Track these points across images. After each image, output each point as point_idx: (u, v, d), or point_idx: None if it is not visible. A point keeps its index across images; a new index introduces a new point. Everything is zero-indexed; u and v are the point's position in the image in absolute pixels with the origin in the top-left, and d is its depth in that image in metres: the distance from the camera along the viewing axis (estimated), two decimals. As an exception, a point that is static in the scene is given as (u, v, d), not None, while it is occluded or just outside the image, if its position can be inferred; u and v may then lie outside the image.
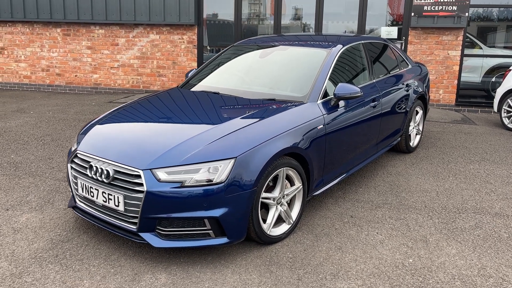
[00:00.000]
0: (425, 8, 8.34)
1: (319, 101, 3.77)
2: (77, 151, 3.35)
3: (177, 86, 4.49)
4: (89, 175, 3.16)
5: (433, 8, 8.30)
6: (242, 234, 3.05)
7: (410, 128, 5.51)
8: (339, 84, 3.83)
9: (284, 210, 3.39)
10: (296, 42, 4.52)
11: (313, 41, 4.56)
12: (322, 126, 3.63)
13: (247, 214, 3.01)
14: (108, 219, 3.11)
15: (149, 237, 2.94)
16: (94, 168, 3.12)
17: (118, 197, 2.97)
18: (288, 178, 3.41)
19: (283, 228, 3.41)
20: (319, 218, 3.80)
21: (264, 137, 3.14)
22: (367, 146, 4.42)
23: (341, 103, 3.94)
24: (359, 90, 3.85)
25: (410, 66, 5.57)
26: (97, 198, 3.13)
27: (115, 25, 9.91)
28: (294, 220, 3.48)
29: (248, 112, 3.50)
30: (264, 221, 3.25)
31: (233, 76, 4.33)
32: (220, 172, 2.90)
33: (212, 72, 4.50)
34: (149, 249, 3.21)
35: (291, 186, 3.45)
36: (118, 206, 2.99)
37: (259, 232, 3.16)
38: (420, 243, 3.39)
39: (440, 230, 3.62)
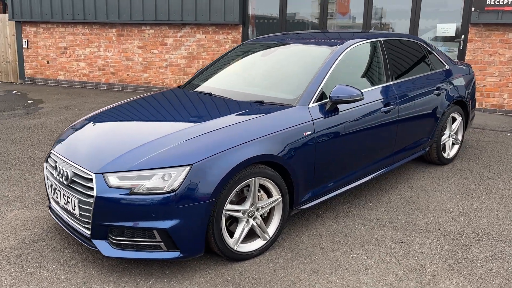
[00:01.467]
0: (488, 2, 7.44)
1: (312, 105, 3.38)
2: (51, 151, 3.29)
3: (178, 86, 4.32)
4: (54, 175, 3.08)
5: (497, 2, 7.38)
6: (198, 249, 2.79)
7: (444, 137, 4.87)
8: (337, 85, 3.42)
9: (258, 224, 3.07)
10: (306, 40, 4.15)
11: (326, 38, 4.15)
12: (310, 132, 3.25)
13: (203, 228, 2.74)
14: (70, 222, 3.01)
15: (101, 245, 2.79)
16: (58, 169, 3.03)
17: (74, 200, 2.85)
18: (267, 189, 3.09)
19: (257, 244, 3.09)
20: (308, 234, 3.42)
21: (230, 143, 2.85)
22: (377, 156, 3.93)
23: (342, 107, 3.52)
24: (360, 93, 3.41)
25: (446, 67, 4.93)
26: (60, 200, 3.04)
27: (164, 25, 10.05)
28: (271, 236, 3.14)
29: (226, 115, 3.23)
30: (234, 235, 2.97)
31: (232, 76, 4.06)
32: (173, 180, 2.66)
33: (214, 71, 4.27)
34: (110, 257, 3.05)
35: (269, 198, 3.12)
36: (74, 210, 2.88)
37: (222, 248, 2.88)
38: (414, 274, 2.90)
39: (445, 259, 3.08)
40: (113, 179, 2.70)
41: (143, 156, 2.76)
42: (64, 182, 2.94)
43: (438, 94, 4.56)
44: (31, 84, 11.84)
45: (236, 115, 3.21)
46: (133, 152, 2.81)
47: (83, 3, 10.52)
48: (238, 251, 2.98)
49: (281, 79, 3.79)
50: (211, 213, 2.77)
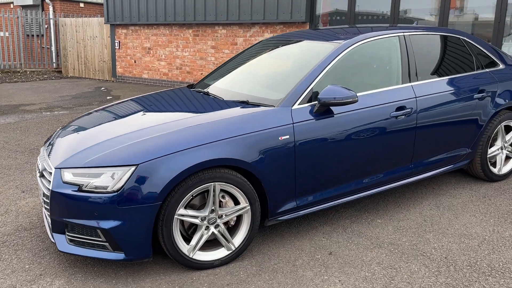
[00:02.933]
0: None
1: (297, 106, 3.07)
2: (43, 146, 3.43)
3: (189, 85, 4.24)
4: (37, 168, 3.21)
5: None
6: (145, 253, 2.67)
7: (493, 149, 4.14)
8: (328, 86, 3.06)
9: (221, 233, 2.86)
10: (322, 36, 3.79)
11: (346, 34, 3.74)
12: (288, 137, 2.95)
13: (148, 232, 2.62)
14: (44, 213, 3.10)
15: (58, 239, 2.81)
16: (37, 162, 3.15)
17: (42, 192, 2.93)
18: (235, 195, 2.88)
19: (220, 253, 2.89)
20: (289, 248, 3.12)
21: (186, 144, 2.69)
22: (386, 167, 3.46)
23: (337, 110, 3.16)
24: (353, 94, 3.02)
25: (500, 67, 4.18)
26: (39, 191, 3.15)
27: (235, 25, 10.13)
28: (236, 246, 2.91)
29: (198, 115, 3.07)
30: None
31: (235, 75, 3.86)
32: (117, 179, 2.58)
33: (224, 70, 4.11)
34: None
35: (237, 205, 2.90)
36: (43, 202, 2.95)
37: (174, 254, 2.73)
38: (383, 307, 2.47)
39: (434, 294, 2.59)
40: (67, 175, 2.71)
41: (97, 154, 2.73)
42: (38, 174, 3.03)
43: (481, 98, 3.88)
44: (121, 82, 12.77)
45: (208, 115, 3.04)
46: (90, 149, 2.80)
47: (164, 6, 11.04)
48: (194, 259, 2.80)
49: (276, 78, 3.52)
50: (161, 217, 2.64)
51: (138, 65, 12.33)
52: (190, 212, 2.76)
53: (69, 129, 3.36)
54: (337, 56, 3.32)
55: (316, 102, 3.09)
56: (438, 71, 3.78)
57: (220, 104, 3.27)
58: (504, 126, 4.18)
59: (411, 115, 3.47)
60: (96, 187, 2.61)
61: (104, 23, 12.73)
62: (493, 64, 4.16)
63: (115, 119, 3.29)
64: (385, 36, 3.61)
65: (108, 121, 3.25)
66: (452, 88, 3.74)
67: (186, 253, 2.77)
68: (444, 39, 3.94)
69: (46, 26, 15.61)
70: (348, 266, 2.89)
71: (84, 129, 3.22)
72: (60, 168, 2.75)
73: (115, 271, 2.85)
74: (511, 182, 4.27)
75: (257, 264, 2.93)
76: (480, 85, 3.91)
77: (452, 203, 3.83)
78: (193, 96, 3.61)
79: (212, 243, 2.93)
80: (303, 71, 3.28)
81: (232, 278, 2.76)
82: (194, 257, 2.81)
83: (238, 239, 2.93)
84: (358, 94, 3.31)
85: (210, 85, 3.84)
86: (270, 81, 3.51)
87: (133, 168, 2.58)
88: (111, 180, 2.60)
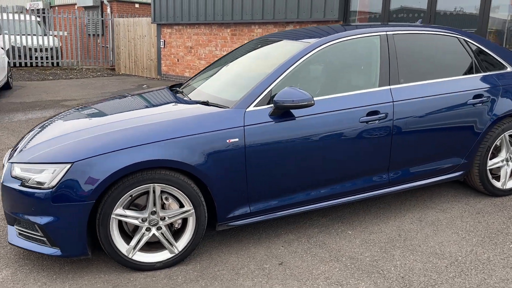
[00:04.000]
0: None
1: (252, 108, 2.95)
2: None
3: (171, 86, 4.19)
4: None
5: None
6: (80, 251, 2.69)
7: (495, 160, 3.74)
8: (285, 88, 2.91)
9: (164, 235, 2.82)
10: (301, 35, 3.62)
11: (321, 33, 3.53)
12: (237, 140, 2.84)
13: (82, 229, 2.63)
14: None
15: (10, 231, 2.92)
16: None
17: None
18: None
19: (162, 256, 2.85)
20: (240, 255, 3.01)
21: (124, 143, 2.67)
22: (355, 176, 3.23)
23: (299, 113, 3.00)
24: (308, 97, 2.85)
25: (508, 69, 3.75)
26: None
27: (270, 24, 10.03)
28: (180, 249, 2.86)
29: (152, 115, 3.03)
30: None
31: (214, 75, 3.78)
32: (53, 176, 2.62)
33: (208, 70, 4.06)
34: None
35: (181, 208, 2.84)
36: (3, 194, 3.07)
37: (112, 253, 2.73)
38: (307, 326, 2.31)
39: (369, 317, 2.37)
40: (17, 169, 2.79)
41: (43, 150, 2.79)
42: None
43: (477, 104, 3.51)
44: (165, 79, 13.13)
45: (161, 115, 3.00)
46: (39, 145, 2.86)
47: (205, 5, 11.19)
48: (134, 260, 2.79)
49: (243, 79, 3.40)
50: (98, 215, 2.65)
51: (180, 64, 12.60)
52: (129, 212, 2.74)
53: (39, 126, 3.46)
54: (302, 57, 3.15)
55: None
56: (426, 74, 3.47)
57: (179, 104, 3.23)
58: (510, 135, 3.76)
59: (386, 120, 3.21)
60: (37, 183, 2.67)
61: (151, 22, 13.15)
62: (500, 67, 3.75)
63: (79, 118, 3.32)
64: (362, 35, 3.37)
65: (71, 119, 3.30)
66: (441, 93, 3.41)
67: (125, 253, 2.76)
68: (438, 39, 3.61)
69: (106, 26, 16.42)
70: (293, 279, 2.73)
71: (47, 125, 3.30)
72: (12, 163, 2.84)
73: (61, 266, 2.90)
74: (518, 198, 3.84)
75: (200, 269, 2.85)
76: (477, 89, 3.54)
77: (438, 217, 3.50)
78: (163, 97, 3.58)
79: (157, 245, 2.90)
80: (265, 72, 3.15)
81: (168, 282, 2.71)
82: (133, 257, 2.79)
83: (182, 243, 2.88)
84: (324, 97, 3.13)
85: (190, 85, 3.81)
86: (238, 81, 3.41)
87: (68, 166, 2.61)
88: (50, 176, 2.65)
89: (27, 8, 21.71)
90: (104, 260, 2.96)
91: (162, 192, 2.80)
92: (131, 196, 2.71)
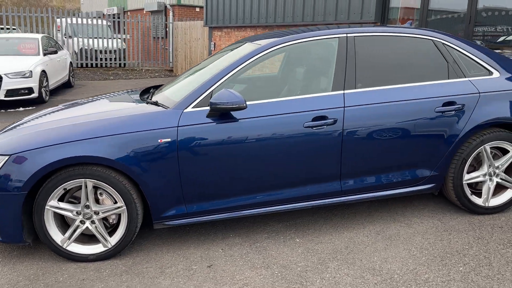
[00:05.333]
0: None
1: (190, 109, 2.97)
2: None
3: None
4: None
5: None
6: (16, 238, 2.87)
7: (474, 174, 3.39)
8: (222, 90, 2.90)
9: (97, 229, 2.94)
10: (263, 38, 3.56)
11: (279, 35, 3.43)
12: (169, 140, 2.88)
13: (17, 218, 2.82)
14: None
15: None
16: None
17: None
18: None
19: (97, 249, 2.97)
20: (177, 255, 3.04)
21: (58, 139, 2.82)
22: (300, 183, 3.11)
23: (241, 114, 2.97)
24: (239, 100, 2.83)
25: (494, 76, 3.37)
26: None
27: (309, 26, 9.88)
28: (113, 244, 2.96)
29: (99, 113, 3.15)
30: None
31: (184, 76, 3.83)
32: (-5, 167, 2.84)
33: (186, 71, 4.12)
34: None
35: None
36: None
37: (47, 242, 2.90)
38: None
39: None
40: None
41: (-4, 142, 3.02)
42: None
43: (448, 112, 3.22)
44: (214, 81, 13.43)
45: (104, 113, 3.11)
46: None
47: (250, 9, 11.33)
48: (68, 251, 2.93)
49: (196, 81, 3.41)
50: (33, 206, 2.83)
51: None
52: (63, 204, 2.88)
53: (37, 121, 3.69)
54: (249, 59, 3.11)
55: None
56: (390, 79, 3.24)
57: (131, 104, 3.33)
58: (494, 148, 3.41)
59: (335, 126, 3.06)
60: (-15, 173, 2.90)
61: (203, 26, 13.54)
62: (484, 72, 3.40)
63: (47, 114, 3.53)
64: (319, 37, 3.24)
65: (41, 115, 3.52)
66: (402, 99, 3.18)
67: (60, 243, 2.91)
68: (408, 42, 3.35)
69: (167, 29, 17.19)
70: (211, 282, 2.71)
71: (26, 121, 3.56)
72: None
73: (11, 251, 3.12)
74: (500, 218, 3.46)
75: (131, 264, 2.93)
76: (448, 96, 3.24)
77: (399, 232, 3.27)
78: (130, 97, 3.69)
79: (94, 238, 3.02)
80: (212, 73, 3.15)
81: (93, 274, 2.81)
82: (68, 248, 2.93)
83: (116, 238, 2.97)
84: (269, 101, 3.06)
85: (164, 86, 3.91)
86: (192, 84, 3.43)
87: (6, 158, 2.81)
88: None
89: (104, 13, 23.32)
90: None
91: (97, 187, 2.92)
92: (64, 189, 2.86)
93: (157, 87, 4.01)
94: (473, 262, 2.84)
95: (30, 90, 8.73)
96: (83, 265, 2.94)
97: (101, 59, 15.99)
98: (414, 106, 3.19)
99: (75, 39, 15.71)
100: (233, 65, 3.10)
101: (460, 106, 3.25)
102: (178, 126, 2.91)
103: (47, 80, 9.48)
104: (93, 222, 2.94)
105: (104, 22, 16.49)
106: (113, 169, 2.88)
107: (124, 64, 16.41)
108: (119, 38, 16.28)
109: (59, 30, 16.63)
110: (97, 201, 2.97)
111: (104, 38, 16.00)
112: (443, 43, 3.39)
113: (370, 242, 3.15)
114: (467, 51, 3.41)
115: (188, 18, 17.66)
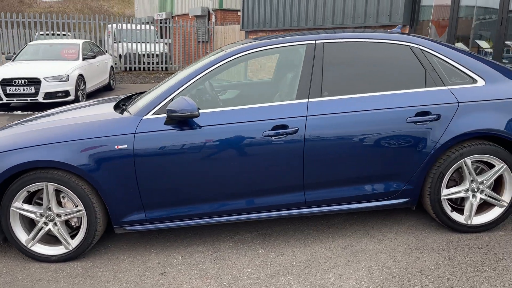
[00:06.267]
0: None
1: (149, 116, 3.00)
2: None
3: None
4: None
5: None
6: (-15, 236, 3.05)
7: (454, 190, 3.15)
8: (179, 97, 2.91)
9: (58, 231, 3.04)
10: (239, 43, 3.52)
11: (250, 42, 3.38)
12: (126, 146, 2.92)
13: (-16, 218, 2.98)
14: None
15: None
16: None
17: None
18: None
19: (59, 250, 3.07)
20: (137, 260, 3.08)
21: (23, 143, 2.94)
22: (261, 193, 3.04)
23: (198, 122, 2.96)
24: (192, 108, 2.83)
25: (479, 84, 3.13)
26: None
27: (339, 29, 9.67)
28: (74, 246, 3.04)
29: (70, 118, 3.26)
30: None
31: (161, 83, 3.87)
32: (-34, 169, 3.01)
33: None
34: None
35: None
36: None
37: (13, 243, 3.05)
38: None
39: None
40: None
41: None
42: None
43: (422, 122, 3.03)
44: (249, 85, 13.50)
45: (74, 119, 3.22)
46: None
47: (283, 13, 11.31)
48: (32, 251, 3.05)
49: (162, 88, 3.42)
50: (0, 207, 2.98)
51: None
52: (26, 206, 3.01)
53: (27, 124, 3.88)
54: (210, 68, 3.10)
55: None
56: (359, 87, 3.09)
57: (103, 110, 3.41)
58: (479, 161, 3.15)
59: (296, 136, 2.97)
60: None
61: (240, 30, 13.65)
62: (467, 81, 3.16)
63: (33, 120, 3.70)
64: (286, 44, 3.16)
65: (30, 120, 3.69)
66: (370, 108, 3.02)
67: (24, 243, 3.04)
68: (382, 48, 3.18)
69: (210, 33, 17.51)
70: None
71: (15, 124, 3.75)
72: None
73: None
74: (483, 238, 3.19)
75: (89, 267, 3.00)
76: (422, 106, 3.04)
77: (367, 248, 3.11)
78: (108, 103, 3.77)
79: (58, 239, 3.12)
80: (179, 80, 3.16)
81: (51, 275, 2.91)
82: (32, 248, 3.05)
83: (77, 240, 3.06)
84: (229, 108, 3.04)
85: (144, 92, 3.97)
86: (159, 90, 3.46)
87: (-26, 161, 2.98)
88: None
89: (155, 18, 24.15)
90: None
91: (59, 191, 3.02)
92: (28, 191, 2.98)
93: (141, 93, 4.09)
94: (433, 284, 2.64)
95: (66, 93, 9.21)
96: (45, 265, 3.05)
97: (144, 62, 16.54)
98: (383, 116, 3.02)
99: (122, 43, 16.38)
100: (195, 72, 3.11)
101: (435, 116, 3.04)
102: (135, 133, 2.95)
103: (84, 84, 9.94)
104: (55, 224, 3.05)
105: (152, 27, 17.06)
106: (73, 174, 2.96)
107: (167, 67, 16.88)
108: (163, 43, 16.77)
109: (109, 35, 17.43)
110: (60, 204, 3.07)
111: (148, 42, 16.56)
112: (421, 49, 3.19)
113: (333, 256, 3.02)
114: (449, 58, 3.19)
115: (230, 22, 17.87)
